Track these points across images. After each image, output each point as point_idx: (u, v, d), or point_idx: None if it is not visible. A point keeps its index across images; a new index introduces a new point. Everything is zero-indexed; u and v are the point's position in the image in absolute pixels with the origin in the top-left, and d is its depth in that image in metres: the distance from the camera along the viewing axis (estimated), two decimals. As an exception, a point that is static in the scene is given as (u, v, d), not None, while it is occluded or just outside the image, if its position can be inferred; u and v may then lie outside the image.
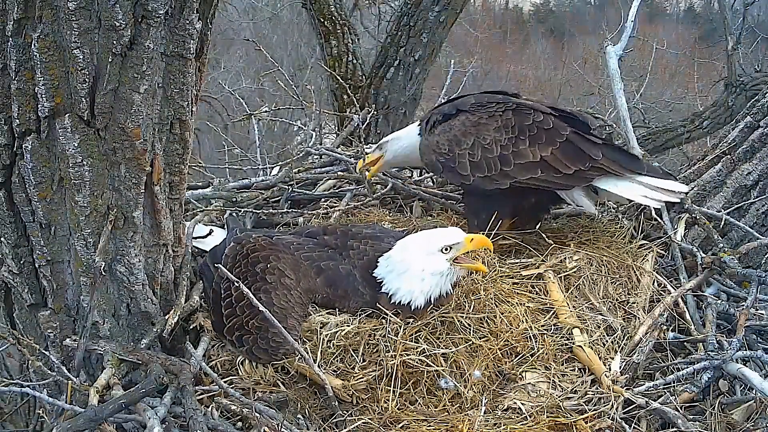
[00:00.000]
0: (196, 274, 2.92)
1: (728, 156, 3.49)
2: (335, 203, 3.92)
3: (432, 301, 2.65)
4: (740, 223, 3.34)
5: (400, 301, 2.62)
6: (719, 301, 2.98)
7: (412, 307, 2.62)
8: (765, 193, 3.39)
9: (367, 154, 3.69)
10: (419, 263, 2.62)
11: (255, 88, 13.30)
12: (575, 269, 2.99)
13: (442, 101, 4.25)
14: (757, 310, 2.93)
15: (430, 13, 6.31)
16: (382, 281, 2.66)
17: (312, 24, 7.04)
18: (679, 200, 3.25)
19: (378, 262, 2.70)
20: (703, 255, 3.15)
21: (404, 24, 6.44)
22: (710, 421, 2.47)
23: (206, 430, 2.20)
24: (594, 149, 3.17)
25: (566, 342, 2.70)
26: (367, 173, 3.74)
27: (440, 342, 2.59)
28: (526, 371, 2.60)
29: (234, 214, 3.72)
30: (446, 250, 2.63)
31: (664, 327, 2.83)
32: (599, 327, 2.79)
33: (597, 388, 2.53)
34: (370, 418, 2.40)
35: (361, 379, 2.45)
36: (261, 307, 2.38)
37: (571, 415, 2.40)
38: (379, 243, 2.81)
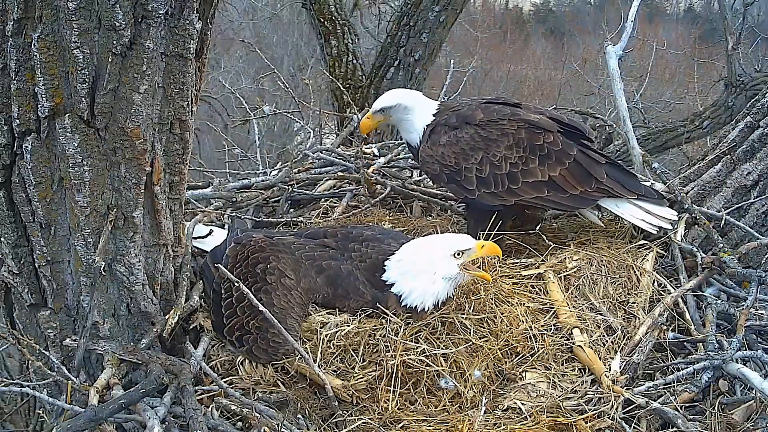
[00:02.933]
0: (196, 274, 2.92)
1: (728, 156, 3.49)
2: (335, 203, 3.92)
3: (439, 305, 2.66)
4: (740, 223, 3.34)
5: (409, 304, 2.62)
6: (719, 301, 2.98)
7: (419, 310, 2.63)
8: (765, 193, 3.39)
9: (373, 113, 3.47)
10: (432, 266, 2.62)
11: (255, 88, 13.30)
12: (575, 269, 2.99)
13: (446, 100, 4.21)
14: (757, 310, 2.93)
15: (430, 13, 6.32)
16: (393, 284, 2.66)
17: (312, 24, 7.04)
18: (671, 227, 3.28)
19: (385, 265, 2.70)
20: (703, 255, 3.15)
21: (404, 24, 6.44)
22: (710, 421, 2.47)
23: (206, 430, 2.20)
24: (599, 169, 3.21)
25: (566, 342, 2.70)
26: (367, 175, 3.72)
27: (440, 342, 2.59)
28: (526, 371, 2.60)
29: (234, 214, 3.73)
30: (458, 254, 2.63)
31: (664, 327, 2.83)
32: (599, 327, 2.79)
33: (597, 388, 2.53)
34: (370, 418, 2.40)
35: (361, 379, 2.45)
36: (261, 308, 2.38)
37: (571, 415, 2.40)
38: (380, 245, 2.81)
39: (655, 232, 3.24)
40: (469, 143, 3.24)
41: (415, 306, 2.62)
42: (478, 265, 2.78)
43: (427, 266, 2.63)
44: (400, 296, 2.64)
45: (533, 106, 3.49)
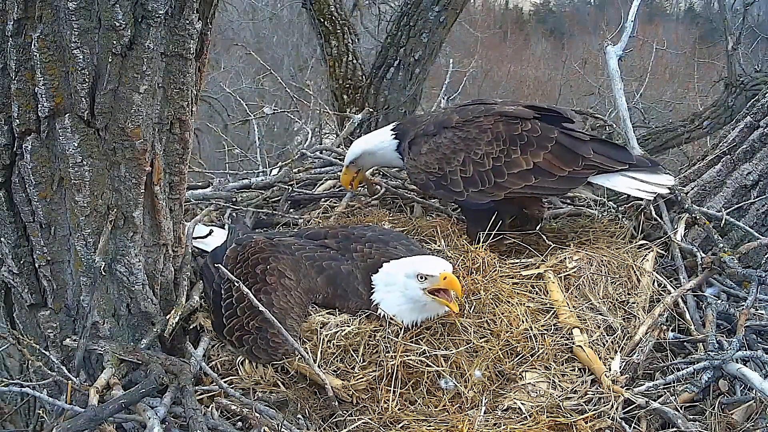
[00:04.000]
0: (196, 274, 2.92)
1: (728, 156, 3.49)
2: (335, 203, 3.91)
3: (417, 323, 2.62)
4: (740, 223, 3.34)
5: (384, 315, 2.60)
6: (719, 301, 2.98)
7: (397, 322, 2.60)
8: (765, 193, 3.39)
9: (347, 167, 3.65)
10: (400, 284, 2.60)
11: (255, 88, 13.30)
12: (575, 269, 2.99)
13: (442, 102, 4.21)
14: (757, 310, 2.93)
15: (430, 13, 6.31)
16: (374, 289, 2.65)
17: (312, 24, 7.03)
18: (668, 191, 3.26)
19: (381, 266, 2.69)
20: (703, 255, 3.15)
21: (404, 24, 6.43)
22: (710, 421, 2.47)
23: (206, 430, 2.20)
24: (584, 147, 3.18)
25: (566, 342, 2.70)
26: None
27: (440, 343, 2.59)
28: (526, 371, 2.60)
29: (235, 214, 3.73)
30: (422, 278, 2.55)
31: (664, 327, 2.82)
32: (599, 327, 2.79)
33: (597, 388, 2.53)
34: (370, 418, 2.40)
35: (361, 379, 2.46)
36: (261, 308, 2.38)
37: (571, 415, 2.40)
38: (385, 247, 2.81)
39: (651, 198, 3.24)
40: (450, 146, 3.25)
41: (392, 317, 2.60)
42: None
43: (396, 283, 2.61)
44: (376, 303, 2.63)
45: (510, 101, 3.48)
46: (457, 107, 3.46)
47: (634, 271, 3.06)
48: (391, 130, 3.57)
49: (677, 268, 3.19)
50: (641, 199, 3.31)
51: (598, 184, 3.29)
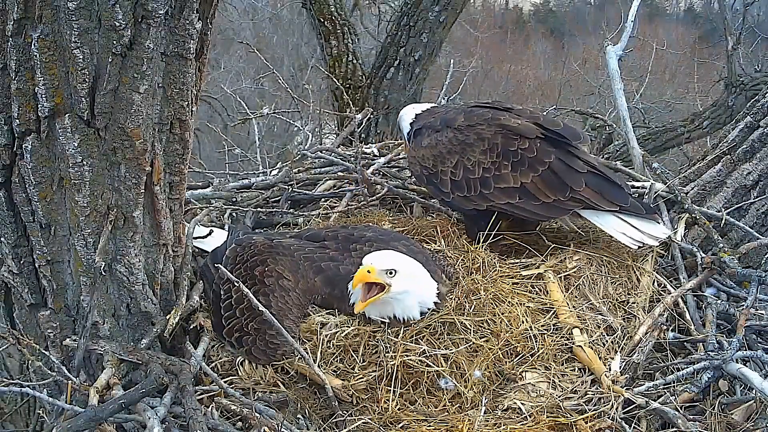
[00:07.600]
0: (196, 274, 2.92)
1: (728, 156, 3.50)
2: (335, 203, 3.91)
3: (395, 318, 2.57)
4: (740, 223, 3.34)
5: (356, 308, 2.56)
6: (719, 301, 2.98)
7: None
8: (765, 193, 3.39)
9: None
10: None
11: (255, 88, 13.30)
12: (575, 269, 2.99)
13: (442, 102, 4.20)
14: (757, 310, 2.93)
15: (430, 13, 6.32)
16: None
17: (312, 24, 7.04)
18: (657, 244, 3.13)
19: None
20: (703, 255, 3.15)
21: (404, 24, 6.45)
22: (710, 421, 2.47)
23: (206, 430, 2.20)
24: (576, 179, 3.08)
25: (566, 342, 2.69)
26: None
27: (440, 343, 2.59)
28: (526, 371, 2.60)
29: (234, 214, 3.73)
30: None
31: (664, 327, 2.82)
32: (599, 327, 2.78)
33: (597, 388, 2.52)
34: (370, 418, 2.40)
35: (361, 380, 2.46)
36: (261, 308, 2.38)
37: (571, 415, 2.40)
38: (385, 247, 2.80)
39: (635, 247, 3.07)
40: (447, 146, 3.26)
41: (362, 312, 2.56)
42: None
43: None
44: (350, 295, 2.60)
45: (528, 110, 3.42)
46: (468, 107, 3.44)
47: (634, 271, 3.07)
48: (416, 113, 3.57)
49: (677, 268, 3.19)
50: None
51: (584, 217, 3.17)
